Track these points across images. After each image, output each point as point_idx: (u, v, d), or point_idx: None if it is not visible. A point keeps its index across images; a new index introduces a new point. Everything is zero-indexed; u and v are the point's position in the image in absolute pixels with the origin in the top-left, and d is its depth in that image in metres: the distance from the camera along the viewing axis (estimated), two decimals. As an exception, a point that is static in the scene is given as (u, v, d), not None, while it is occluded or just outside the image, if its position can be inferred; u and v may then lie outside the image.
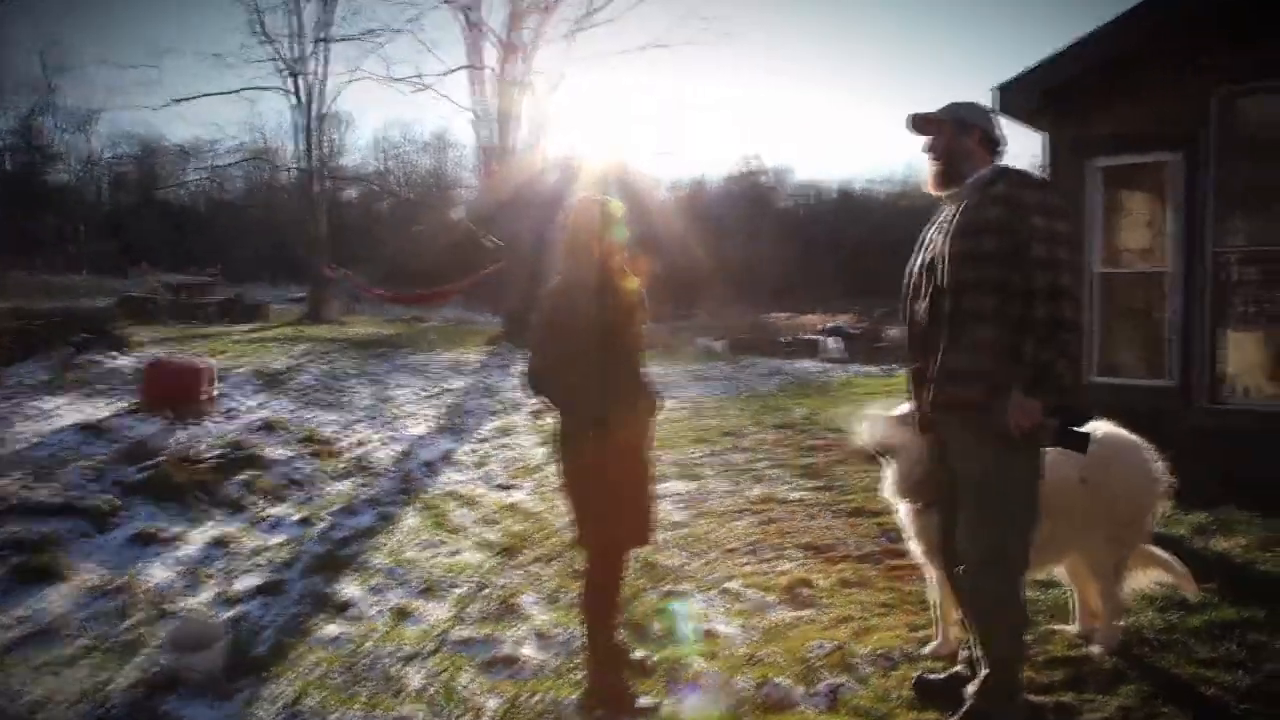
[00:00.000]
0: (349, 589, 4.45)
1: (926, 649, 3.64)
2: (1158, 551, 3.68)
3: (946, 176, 3.02)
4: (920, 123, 3.07)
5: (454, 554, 5.11)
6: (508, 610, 4.25)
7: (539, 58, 17.47)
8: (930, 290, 2.95)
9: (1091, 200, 7.24)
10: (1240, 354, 7.36)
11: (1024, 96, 7.40)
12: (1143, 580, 3.68)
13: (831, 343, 21.65)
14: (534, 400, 10.70)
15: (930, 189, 3.10)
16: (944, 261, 2.88)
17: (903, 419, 3.34)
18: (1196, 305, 6.46)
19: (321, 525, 5.51)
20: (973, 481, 2.84)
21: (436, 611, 4.23)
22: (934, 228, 3.09)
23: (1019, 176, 2.87)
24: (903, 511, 3.49)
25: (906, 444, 3.28)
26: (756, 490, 6.79)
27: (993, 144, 3.03)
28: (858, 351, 21.47)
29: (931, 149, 3.05)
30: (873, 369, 18.51)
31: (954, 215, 2.91)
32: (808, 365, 18.37)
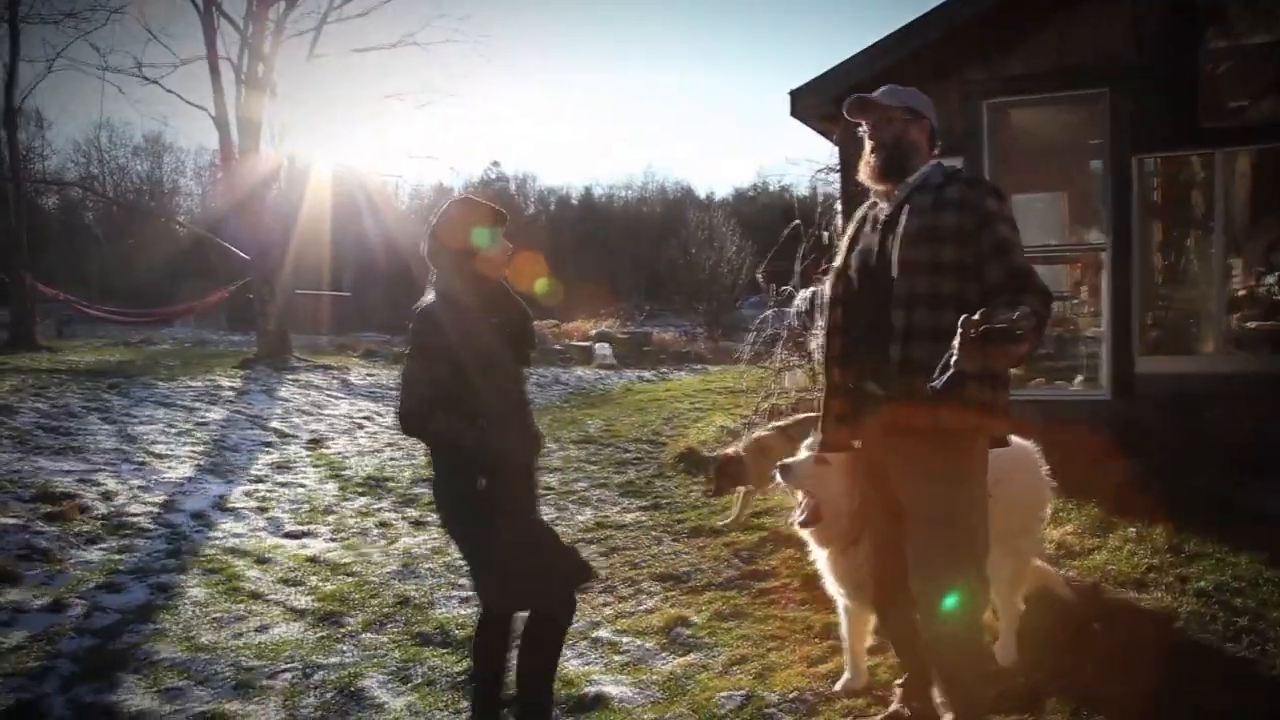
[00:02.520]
0: (135, 698, 3.52)
1: (838, 685, 3.39)
2: (1037, 561, 3.68)
3: (889, 170, 2.74)
4: (864, 107, 2.79)
5: (263, 629, 4.26)
6: (352, 699, 3.53)
7: (284, 51, 15.94)
8: (871, 299, 2.69)
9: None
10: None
11: (816, 101, 7.54)
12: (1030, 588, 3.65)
13: (602, 349, 21.64)
14: (311, 428, 9.70)
15: (865, 180, 2.83)
16: (889, 268, 2.62)
17: (822, 457, 3.01)
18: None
19: (78, 610, 4.42)
20: (930, 513, 2.58)
21: (261, 714, 3.43)
22: (864, 225, 2.84)
23: (973, 179, 2.68)
24: (823, 554, 3.18)
25: (832, 485, 2.97)
26: (585, 515, 6.38)
27: (935, 138, 2.82)
28: (627, 357, 21.65)
29: (876, 137, 2.77)
30: (646, 374, 18.69)
31: (898, 216, 2.66)
32: (584, 373, 18.19)
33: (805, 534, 3.16)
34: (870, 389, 2.73)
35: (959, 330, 2.25)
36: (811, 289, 10.11)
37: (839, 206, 9.71)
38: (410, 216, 29.06)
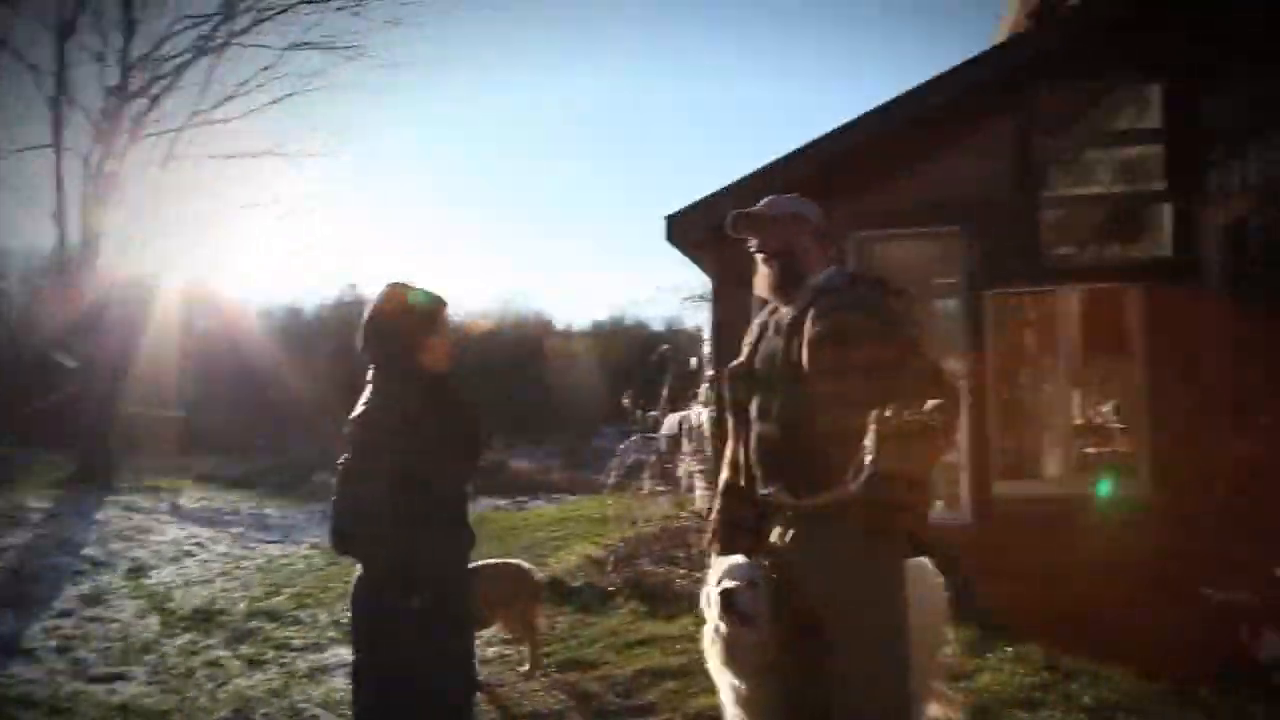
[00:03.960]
0: None
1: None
2: (937, 683, 3.55)
3: (786, 279, 2.68)
4: (749, 221, 2.74)
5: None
6: None
7: (138, 151, 15.16)
8: (776, 403, 2.58)
9: (755, 332, 7.64)
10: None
11: (691, 228, 7.71)
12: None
13: (457, 475, 20.90)
14: (132, 555, 8.73)
15: (762, 293, 2.76)
16: (795, 371, 2.52)
17: (752, 580, 2.65)
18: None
19: None
20: (851, 627, 2.42)
21: None
22: (766, 329, 2.76)
23: (877, 281, 2.64)
24: (741, 685, 2.78)
25: (763, 609, 2.64)
26: (445, 648, 5.85)
27: (826, 241, 2.80)
28: (483, 485, 20.88)
29: (765, 249, 2.72)
30: (502, 502, 18.07)
31: (802, 319, 2.58)
32: (439, 500, 17.42)
33: (720, 665, 2.85)
34: (780, 497, 2.58)
35: (872, 427, 2.16)
36: (680, 414, 10.13)
37: (707, 334, 9.91)
38: (260, 334, 27.80)
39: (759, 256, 2.74)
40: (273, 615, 6.72)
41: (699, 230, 7.71)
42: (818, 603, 2.50)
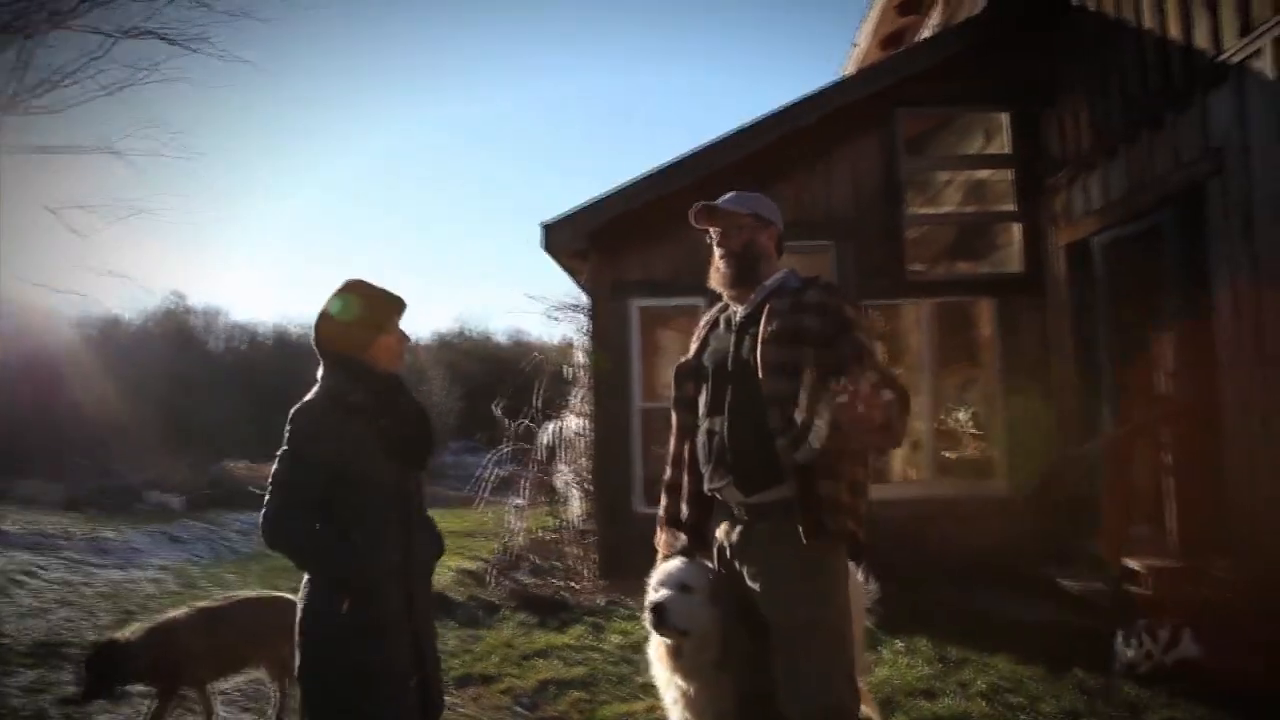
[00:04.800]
0: None
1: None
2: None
3: (741, 277, 2.73)
4: (711, 214, 2.77)
5: None
6: None
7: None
8: (726, 400, 2.62)
9: (633, 339, 7.71)
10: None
11: (569, 236, 7.69)
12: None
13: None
14: None
15: (716, 287, 2.80)
16: (746, 369, 2.58)
17: (684, 584, 2.70)
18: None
19: None
20: (798, 624, 2.48)
21: None
22: (716, 326, 2.80)
23: (829, 286, 2.72)
24: (689, 688, 2.77)
25: (703, 614, 2.67)
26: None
27: (781, 243, 2.86)
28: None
29: (725, 244, 2.75)
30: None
31: (756, 317, 2.64)
32: (289, 518, 16.52)
33: (667, 671, 2.82)
34: (728, 493, 2.63)
35: (829, 391, 2.20)
36: (553, 424, 10.04)
37: (580, 342, 9.88)
38: (74, 345, 25.56)
39: (717, 251, 2.77)
40: (129, 645, 6.18)
41: (578, 238, 7.70)
42: (763, 598, 2.56)
